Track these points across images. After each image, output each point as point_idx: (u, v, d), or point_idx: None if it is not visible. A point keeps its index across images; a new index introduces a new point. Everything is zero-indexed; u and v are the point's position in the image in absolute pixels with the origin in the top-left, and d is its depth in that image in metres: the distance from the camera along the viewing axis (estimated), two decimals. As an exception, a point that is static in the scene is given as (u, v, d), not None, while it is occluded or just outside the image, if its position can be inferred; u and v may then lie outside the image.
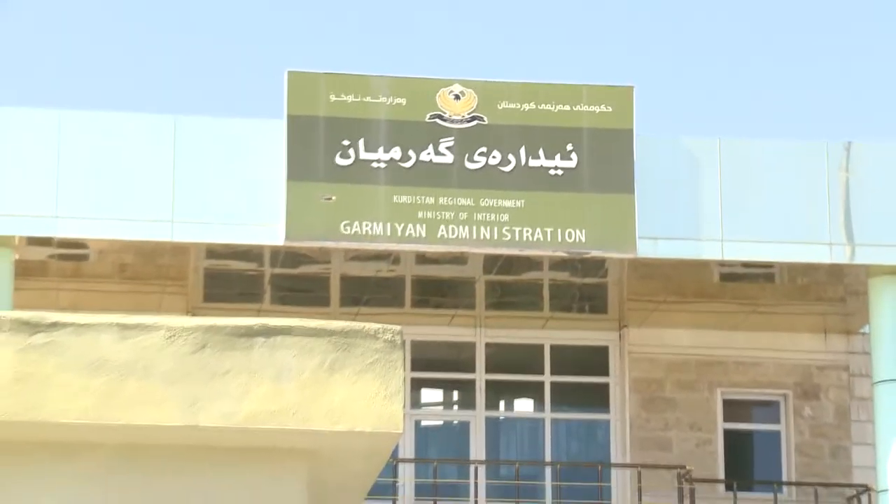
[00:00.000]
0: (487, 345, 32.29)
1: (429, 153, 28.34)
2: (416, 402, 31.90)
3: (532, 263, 30.33)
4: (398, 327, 11.02)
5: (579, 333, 32.31)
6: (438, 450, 32.81)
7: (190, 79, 67.96)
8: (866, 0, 67.81)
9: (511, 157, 28.44)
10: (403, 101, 28.49)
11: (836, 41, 69.25)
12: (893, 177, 29.00)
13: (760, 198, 28.83)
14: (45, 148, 27.96)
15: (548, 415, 32.56)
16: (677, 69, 66.53)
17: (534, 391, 32.78)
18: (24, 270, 28.44)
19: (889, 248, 28.81)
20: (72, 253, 29.23)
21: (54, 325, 10.61)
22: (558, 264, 30.28)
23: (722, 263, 29.76)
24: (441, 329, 31.47)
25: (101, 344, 10.54)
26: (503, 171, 28.41)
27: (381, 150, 28.26)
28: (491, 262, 30.16)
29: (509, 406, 33.41)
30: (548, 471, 31.97)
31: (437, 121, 28.42)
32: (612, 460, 31.90)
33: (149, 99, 71.86)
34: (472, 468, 31.55)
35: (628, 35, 68.24)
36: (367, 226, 28.10)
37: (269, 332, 10.73)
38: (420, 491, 31.15)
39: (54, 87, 66.00)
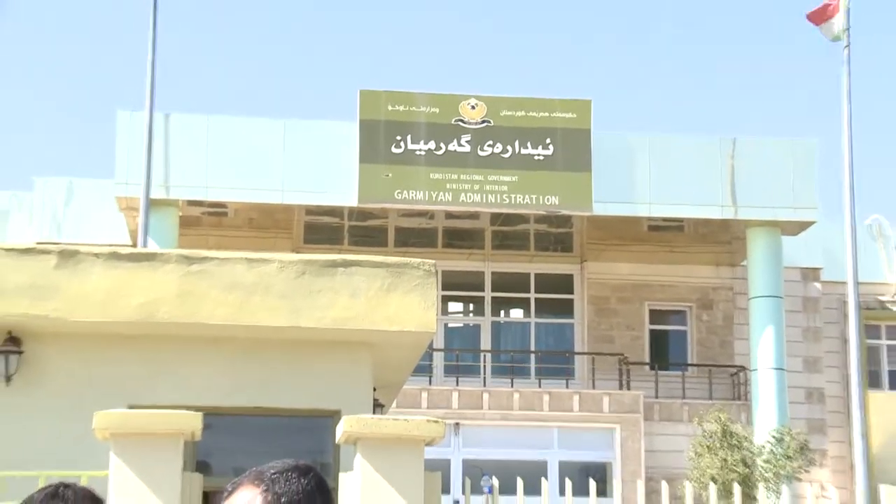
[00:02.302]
0: (492, 273, 32.35)
1: (454, 145, 28.42)
2: (444, 311, 31.95)
3: (522, 219, 30.39)
4: (432, 261, 11.20)
5: (554, 266, 32.36)
6: (459, 343, 32.89)
7: (287, 89, 68.02)
8: (754, 31, 67.68)
9: (509, 147, 28.50)
10: (437, 110, 28.57)
11: (729, 61, 69.07)
12: (765, 162, 29.04)
13: (675, 174, 28.87)
14: (198, 140, 28.10)
15: (533, 320, 32.64)
16: (624, 80, 66.47)
17: (523, 304, 32.85)
18: (185, 223, 28.61)
19: (761, 208, 28.93)
20: (216, 211, 29.39)
21: (205, 259, 10.79)
22: (540, 219, 30.38)
23: (649, 219, 29.79)
24: (461, 262, 31.53)
25: (235, 271, 10.71)
26: (503, 157, 28.48)
27: (421, 142, 28.36)
28: (495, 218, 30.28)
29: (507, 314, 33.49)
30: (532, 357, 32.13)
31: (459, 123, 28.50)
32: (576, 350, 31.98)
33: (263, 103, 71.87)
34: (482, 355, 31.68)
35: (586, 54, 68.14)
36: (412, 193, 28.23)
37: (347, 264, 10.88)
38: (447, 371, 31.27)
39: (194, 94, 66.05)
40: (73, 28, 69.94)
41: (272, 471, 2.87)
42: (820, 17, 25.51)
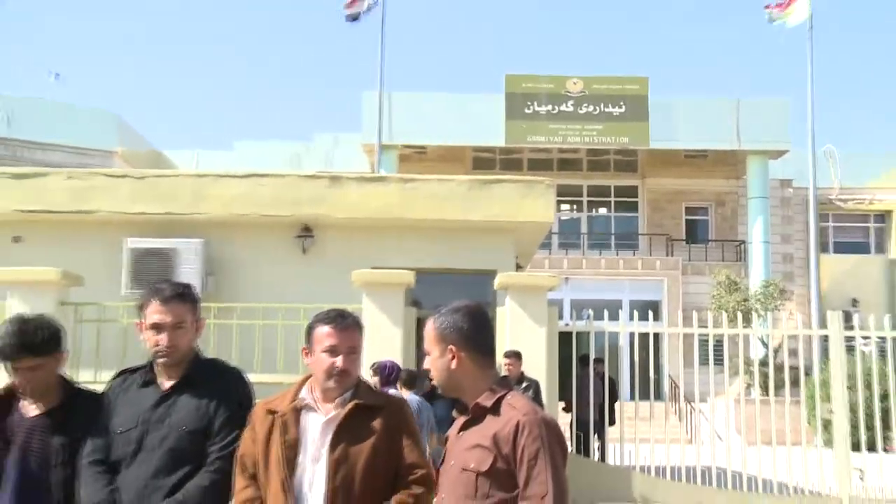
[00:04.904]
0: (588, 185, 31.95)
1: (563, 107, 28.00)
2: (558, 210, 31.73)
3: (606, 152, 29.99)
4: (551, 180, 11.04)
5: (625, 181, 31.80)
6: (567, 228, 32.60)
7: (453, 69, 67.24)
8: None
9: (597, 108, 27.99)
10: (552, 85, 28.12)
11: (737, 38, 66.32)
12: (758, 113, 28.10)
13: (701, 122, 28.17)
14: (409, 107, 28.12)
15: (613, 214, 32.16)
16: (667, 55, 64.37)
17: (607, 205, 32.36)
18: (401, 158, 28.87)
19: (755, 142, 28.18)
20: (420, 151, 29.48)
21: (414, 180, 10.80)
22: (617, 152, 29.92)
23: (685, 150, 29.11)
24: (568, 181, 31.14)
25: (431, 186, 10.70)
26: (594, 114, 27.98)
27: (544, 106, 27.99)
28: (589, 152, 29.92)
29: (597, 210, 32.93)
30: (612, 237, 31.75)
31: (567, 93, 28.02)
32: (639, 232, 31.55)
33: (442, 80, 71.18)
34: (581, 236, 31.45)
35: (639, 35, 66.05)
36: (537, 137, 28.00)
37: (498, 181, 10.80)
38: (560, 246, 31.11)
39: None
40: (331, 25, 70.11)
41: (444, 308, 2.89)
42: (780, 9, 24.91)
